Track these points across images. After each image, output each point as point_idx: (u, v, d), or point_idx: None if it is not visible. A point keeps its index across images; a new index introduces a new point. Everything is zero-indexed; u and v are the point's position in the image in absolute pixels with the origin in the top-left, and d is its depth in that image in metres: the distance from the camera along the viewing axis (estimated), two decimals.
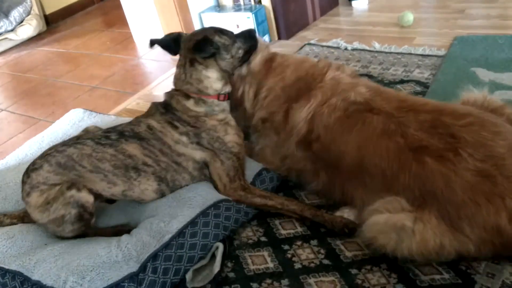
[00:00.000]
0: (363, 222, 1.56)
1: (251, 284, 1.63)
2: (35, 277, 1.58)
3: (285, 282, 1.62)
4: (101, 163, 1.77)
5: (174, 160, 1.83)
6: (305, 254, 1.71)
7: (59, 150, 1.79)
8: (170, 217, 1.72)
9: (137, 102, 3.10)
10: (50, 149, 1.84)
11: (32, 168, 1.79)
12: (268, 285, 1.62)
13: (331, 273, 1.62)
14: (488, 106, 1.72)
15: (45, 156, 1.80)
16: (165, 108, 1.88)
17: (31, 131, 3.04)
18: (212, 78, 1.86)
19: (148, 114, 1.92)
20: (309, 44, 3.34)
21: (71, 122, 2.52)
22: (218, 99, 1.89)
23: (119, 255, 1.56)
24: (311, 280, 1.60)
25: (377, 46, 3.08)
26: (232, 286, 1.64)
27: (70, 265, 1.55)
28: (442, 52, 2.83)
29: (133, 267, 1.53)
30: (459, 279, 1.50)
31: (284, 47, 3.41)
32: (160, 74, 3.49)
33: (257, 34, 1.99)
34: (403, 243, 1.45)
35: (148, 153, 1.81)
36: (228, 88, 1.94)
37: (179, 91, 1.88)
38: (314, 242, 1.75)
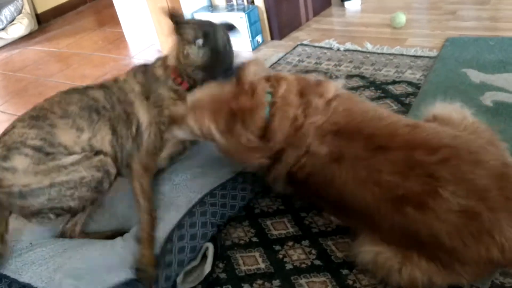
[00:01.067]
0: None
1: (242, 284, 1.63)
2: (23, 279, 1.55)
3: (276, 282, 1.61)
4: (68, 106, 1.80)
5: (125, 109, 1.85)
6: (296, 254, 1.71)
7: (32, 108, 1.84)
8: (158, 220, 1.70)
9: None
10: None
11: (3, 133, 1.73)
12: (259, 285, 1.62)
13: (322, 273, 1.62)
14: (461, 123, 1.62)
15: (18, 118, 1.78)
16: (138, 65, 1.98)
17: None
18: (171, 53, 1.92)
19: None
20: (302, 44, 3.34)
21: None
22: (175, 78, 1.91)
23: (115, 259, 1.55)
24: (303, 281, 1.60)
25: (369, 47, 3.09)
26: (224, 286, 1.64)
27: (63, 267, 1.53)
28: (434, 53, 2.84)
29: (130, 273, 1.52)
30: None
31: (276, 48, 3.42)
32: None
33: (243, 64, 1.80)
34: (391, 277, 1.43)
35: (108, 99, 1.86)
36: (188, 80, 1.90)
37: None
38: (305, 242, 1.75)
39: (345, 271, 1.61)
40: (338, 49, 3.16)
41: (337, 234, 1.76)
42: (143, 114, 1.86)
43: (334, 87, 1.74)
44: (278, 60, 3.17)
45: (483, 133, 1.58)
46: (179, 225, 1.68)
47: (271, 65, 3.11)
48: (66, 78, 3.76)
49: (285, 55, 3.23)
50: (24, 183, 1.60)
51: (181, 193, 1.79)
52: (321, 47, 3.25)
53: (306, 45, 3.33)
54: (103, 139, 1.79)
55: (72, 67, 3.97)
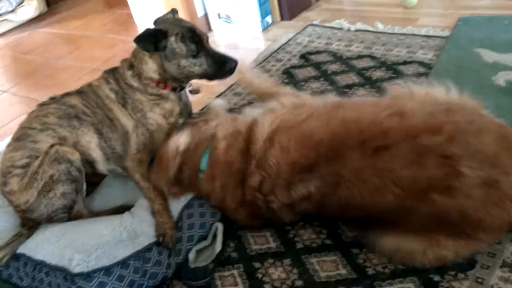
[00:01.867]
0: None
1: (253, 263, 1.65)
2: (38, 257, 1.59)
3: (287, 261, 1.63)
4: (46, 117, 1.83)
5: (107, 114, 1.86)
6: (307, 234, 1.72)
7: (15, 132, 1.88)
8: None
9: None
10: None
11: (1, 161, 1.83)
12: (270, 264, 1.63)
13: (333, 252, 1.63)
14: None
15: (8, 144, 1.86)
16: (110, 70, 1.94)
17: None
18: (150, 67, 1.82)
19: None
20: (312, 25, 3.31)
21: None
22: (157, 85, 1.86)
23: (124, 234, 1.57)
24: (313, 260, 1.61)
25: (380, 27, 3.05)
26: (235, 265, 1.66)
27: (74, 244, 1.55)
28: (446, 33, 2.80)
29: (139, 245, 1.55)
30: (460, 258, 1.51)
31: (286, 28, 3.38)
32: None
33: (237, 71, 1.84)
34: (415, 260, 1.45)
35: (86, 104, 1.87)
36: (174, 85, 1.87)
37: (130, 58, 1.89)
38: (316, 222, 1.75)
39: (355, 250, 1.61)
40: (349, 29, 3.13)
41: None
42: (126, 120, 1.86)
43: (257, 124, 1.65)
44: (288, 41, 3.15)
45: (456, 102, 1.57)
46: (188, 205, 1.72)
47: (281, 46, 3.08)
48: (75, 60, 3.76)
49: (295, 35, 3.20)
50: (24, 201, 1.72)
51: None
52: (331, 28, 3.21)
53: (316, 25, 3.29)
54: (89, 143, 1.84)
55: (81, 49, 3.97)
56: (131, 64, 1.87)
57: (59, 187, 1.70)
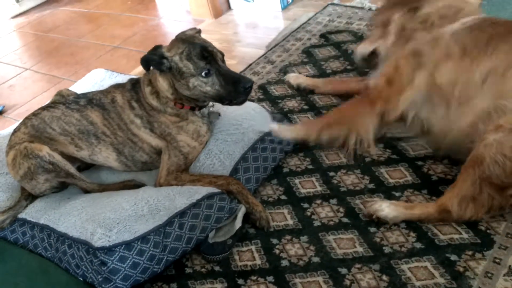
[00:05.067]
0: None
1: (271, 239, 1.67)
2: (60, 228, 1.65)
3: (304, 238, 1.65)
4: (68, 126, 1.82)
5: (130, 138, 1.83)
6: (324, 212, 1.73)
7: (35, 113, 1.88)
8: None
9: None
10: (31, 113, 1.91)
11: (13, 131, 1.88)
12: (287, 241, 1.66)
13: (350, 231, 1.64)
14: None
15: (24, 119, 1.88)
16: (133, 85, 1.85)
17: (55, 90, 3.03)
18: (162, 85, 1.75)
19: (120, 85, 1.90)
20: (333, 4, 3.26)
21: (93, 82, 2.55)
22: (175, 104, 1.78)
23: (145, 209, 1.60)
24: (330, 237, 1.63)
25: None
26: (253, 241, 1.68)
27: (95, 218, 1.60)
28: None
29: (159, 220, 1.57)
30: (478, 239, 1.52)
31: (306, 7, 3.35)
32: None
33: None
34: None
35: (107, 124, 1.83)
36: (191, 105, 1.78)
37: (149, 75, 1.80)
38: (333, 201, 1.77)
39: (372, 229, 1.62)
40: (370, 9, 3.08)
41: (365, 193, 1.77)
42: (157, 142, 1.82)
43: None
44: (308, 20, 3.12)
45: None
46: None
47: (301, 25, 3.06)
48: (96, 39, 3.79)
49: (315, 15, 3.17)
50: (13, 175, 1.83)
51: (216, 161, 1.82)
52: (352, 7, 3.17)
53: (336, 4, 3.25)
54: (107, 158, 1.86)
55: (102, 28, 4.00)
56: (150, 80, 1.79)
57: (40, 176, 1.76)
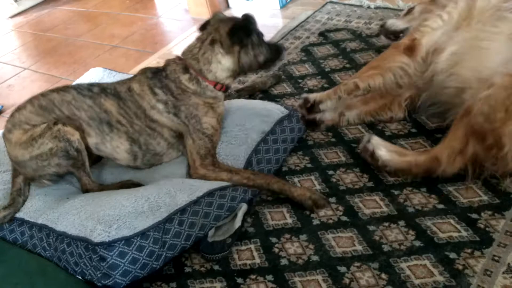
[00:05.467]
0: None
1: (270, 238, 1.67)
2: (59, 228, 1.64)
3: (303, 237, 1.65)
4: (77, 111, 1.82)
5: (148, 125, 1.84)
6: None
7: (44, 94, 1.87)
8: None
9: (157, 61, 3.10)
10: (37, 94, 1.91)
11: (17, 108, 1.87)
12: (286, 239, 1.66)
13: (349, 229, 1.64)
14: None
15: (31, 98, 1.87)
16: (154, 73, 1.87)
17: None
18: (222, 66, 1.83)
19: (135, 76, 1.92)
20: (331, 2, 3.26)
21: (91, 81, 2.55)
22: (214, 86, 1.85)
23: (145, 206, 1.60)
24: (329, 236, 1.63)
25: (401, 4, 3.00)
26: (252, 240, 1.68)
27: (95, 215, 1.59)
28: None
29: (159, 217, 1.57)
30: (477, 236, 1.52)
31: (305, 6, 3.35)
32: (179, 33, 3.47)
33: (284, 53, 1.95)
34: None
35: (123, 113, 1.83)
36: (229, 81, 1.89)
37: (182, 61, 1.86)
38: (332, 199, 1.77)
39: (371, 228, 1.62)
40: (369, 7, 3.08)
41: (364, 191, 1.77)
42: (177, 127, 1.84)
43: None
44: (307, 18, 3.12)
45: None
46: (222, 188, 1.75)
47: (300, 24, 3.06)
48: (95, 38, 3.79)
49: (313, 13, 3.17)
50: (15, 155, 1.81)
51: (229, 152, 1.85)
52: (351, 5, 3.17)
53: (335, 2, 3.25)
54: (116, 148, 1.84)
55: (101, 27, 3.99)
56: (185, 67, 1.84)
57: (55, 159, 1.76)
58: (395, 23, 2.27)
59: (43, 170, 1.79)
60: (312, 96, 2.08)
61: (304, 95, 2.11)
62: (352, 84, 2.03)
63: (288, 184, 1.80)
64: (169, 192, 1.66)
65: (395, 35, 2.26)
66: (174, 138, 1.88)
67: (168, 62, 1.89)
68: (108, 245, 1.49)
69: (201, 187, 1.69)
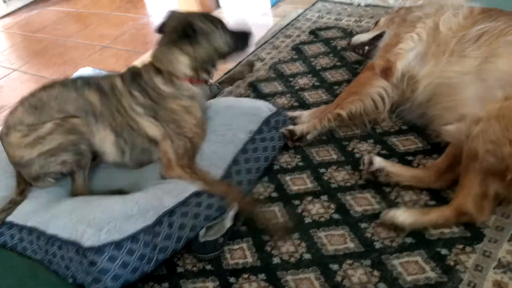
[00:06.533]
0: None
1: (262, 237, 1.67)
2: (50, 231, 1.63)
3: (295, 235, 1.65)
4: (65, 104, 1.83)
5: (129, 123, 1.84)
6: (315, 209, 1.73)
7: (33, 94, 1.88)
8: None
9: (148, 61, 3.08)
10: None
11: (10, 112, 1.88)
12: (279, 238, 1.65)
13: (341, 227, 1.64)
14: None
15: (22, 100, 1.88)
16: (132, 77, 1.89)
17: None
18: (183, 63, 1.85)
19: (119, 73, 1.94)
20: (322, 0, 3.26)
21: None
22: (191, 82, 1.87)
23: (135, 209, 1.59)
24: (321, 234, 1.63)
25: (391, 2, 3.00)
26: (244, 239, 1.68)
27: (85, 218, 1.58)
28: None
29: (149, 220, 1.56)
30: (468, 232, 1.52)
31: (296, 4, 3.34)
32: None
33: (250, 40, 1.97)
34: None
35: (105, 105, 1.85)
36: (204, 75, 1.91)
37: (153, 65, 1.89)
38: (324, 197, 1.77)
39: (363, 225, 1.63)
40: (359, 5, 3.08)
41: (356, 189, 1.77)
42: (155, 131, 1.84)
43: None
44: (298, 16, 3.11)
45: None
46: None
47: (290, 22, 3.06)
48: (85, 38, 3.77)
49: (304, 11, 3.17)
50: (20, 156, 1.80)
51: (208, 162, 1.81)
52: (341, 3, 3.17)
53: (326, 1, 3.25)
54: (103, 139, 1.83)
55: (91, 27, 3.97)
56: (157, 69, 1.86)
57: (63, 155, 1.76)
58: (360, 37, 2.38)
59: (49, 167, 1.78)
60: (299, 129, 2.01)
61: (290, 127, 2.02)
62: (335, 114, 2.02)
63: (257, 210, 1.72)
64: (156, 195, 1.66)
65: (362, 48, 2.37)
66: (151, 145, 1.87)
67: (142, 66, 1.92)
68: (98, 249, 1.48)
69: (187, 187, 1.68)
